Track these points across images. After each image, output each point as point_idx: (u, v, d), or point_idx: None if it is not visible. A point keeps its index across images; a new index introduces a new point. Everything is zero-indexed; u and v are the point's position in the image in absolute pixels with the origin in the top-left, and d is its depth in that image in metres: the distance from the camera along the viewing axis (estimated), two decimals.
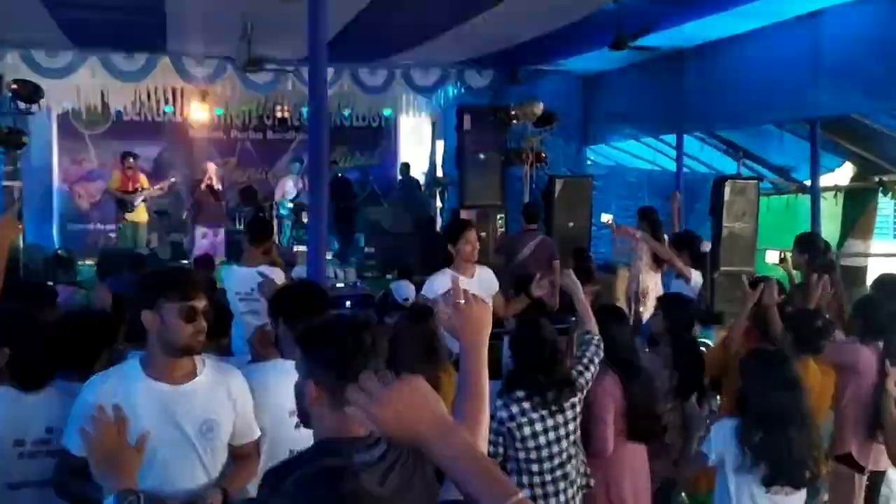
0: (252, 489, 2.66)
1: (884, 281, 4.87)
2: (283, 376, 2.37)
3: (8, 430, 2.62)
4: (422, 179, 13.03)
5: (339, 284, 8.17)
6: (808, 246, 5.40)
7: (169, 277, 2.67)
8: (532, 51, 9.11)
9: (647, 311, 6.12)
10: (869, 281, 6.56)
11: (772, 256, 6.14)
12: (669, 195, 8.07)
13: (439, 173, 12.50)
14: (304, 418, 1.90)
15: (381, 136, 13.83)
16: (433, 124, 13.24)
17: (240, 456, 2.68)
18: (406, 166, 12.94)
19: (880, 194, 8.78)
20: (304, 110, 10.29)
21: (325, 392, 1.80)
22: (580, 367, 3.37)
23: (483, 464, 1.33)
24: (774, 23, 7.40)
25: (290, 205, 11.31)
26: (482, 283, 4.67)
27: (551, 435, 3.21)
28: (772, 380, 3.20)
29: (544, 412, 3.21)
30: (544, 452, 3.20)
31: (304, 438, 1.92)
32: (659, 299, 4.85)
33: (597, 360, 3.42)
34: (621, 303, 6.94)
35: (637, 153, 11.48)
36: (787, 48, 7.33)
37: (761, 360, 3.34)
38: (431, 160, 13.43)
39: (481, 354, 1.91)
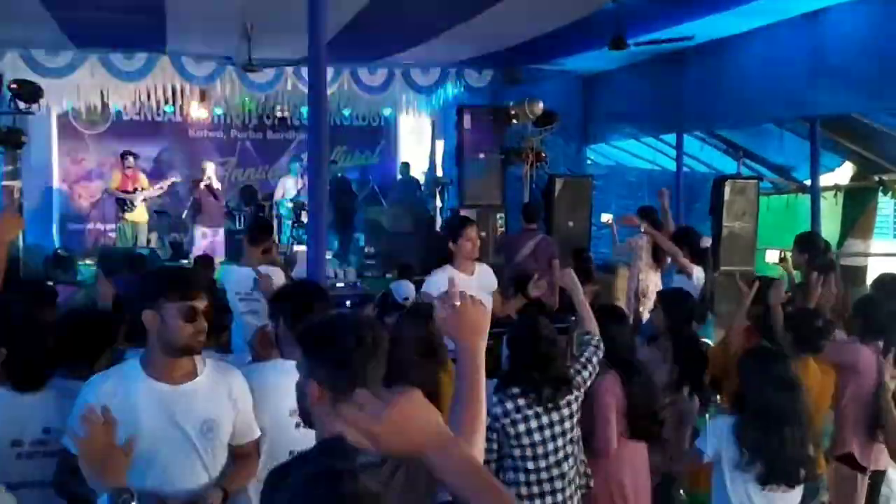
0: (252, 489, 2.67)
1: (884, 280, 4.87)
2: (284, 376, 2.38)
3: (5, 430, 2.63)
4: (422, 179, 13.00)
5: (339, 284, 8.18)
6: (808, 245, 5.40)
7: (170, 277, 2.68)
8: (532, 50, 9.09)
9: (648, 310, 6.12)
10: (869, 281, 6.56)
11: (772, 256, 6.14)
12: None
13: (439, 173, 12.46)
14: (306, 418, 1.90)
15: (381, 135, 13.82)
16: (433, 124, 13.20)
17: (240, 456, 2.68)
18: (406, 166, 12.92)
19: (880, 194, 8.76)
20: (304, 110, 10.28)
21: (326, 392, 1.80)
22: (577, 366, 3.35)
23: (482, 476, 1.33)
24: (774, 22, 7.40)
25: (290, 204, 11.28)
26: (482, 280, 4.67)
27: (546, 433, 3.19)
28: (769, 378, 3.19)
29: (539, 409, 3.18)
30: (539, 450, 3.17)
31: (305, 438, 1.91)
32: (658, 294, 4.85)
33: (595, 360, 3.40)
34: (621, 302, 6.95)
35: (637, 153, 11.46)
36: (787, 47, 7.33)
37: (759, 359, 3.34)
38: (431, 160, 13.40)
39: (477, 357, 1.81)
